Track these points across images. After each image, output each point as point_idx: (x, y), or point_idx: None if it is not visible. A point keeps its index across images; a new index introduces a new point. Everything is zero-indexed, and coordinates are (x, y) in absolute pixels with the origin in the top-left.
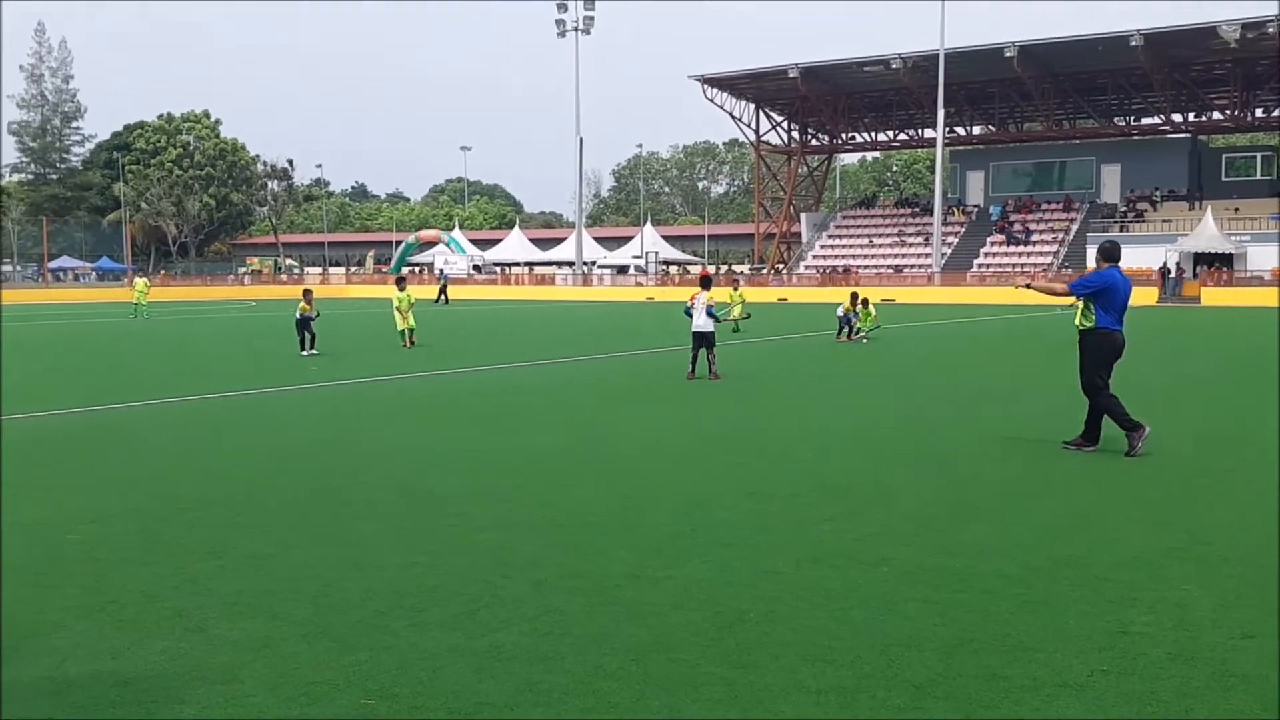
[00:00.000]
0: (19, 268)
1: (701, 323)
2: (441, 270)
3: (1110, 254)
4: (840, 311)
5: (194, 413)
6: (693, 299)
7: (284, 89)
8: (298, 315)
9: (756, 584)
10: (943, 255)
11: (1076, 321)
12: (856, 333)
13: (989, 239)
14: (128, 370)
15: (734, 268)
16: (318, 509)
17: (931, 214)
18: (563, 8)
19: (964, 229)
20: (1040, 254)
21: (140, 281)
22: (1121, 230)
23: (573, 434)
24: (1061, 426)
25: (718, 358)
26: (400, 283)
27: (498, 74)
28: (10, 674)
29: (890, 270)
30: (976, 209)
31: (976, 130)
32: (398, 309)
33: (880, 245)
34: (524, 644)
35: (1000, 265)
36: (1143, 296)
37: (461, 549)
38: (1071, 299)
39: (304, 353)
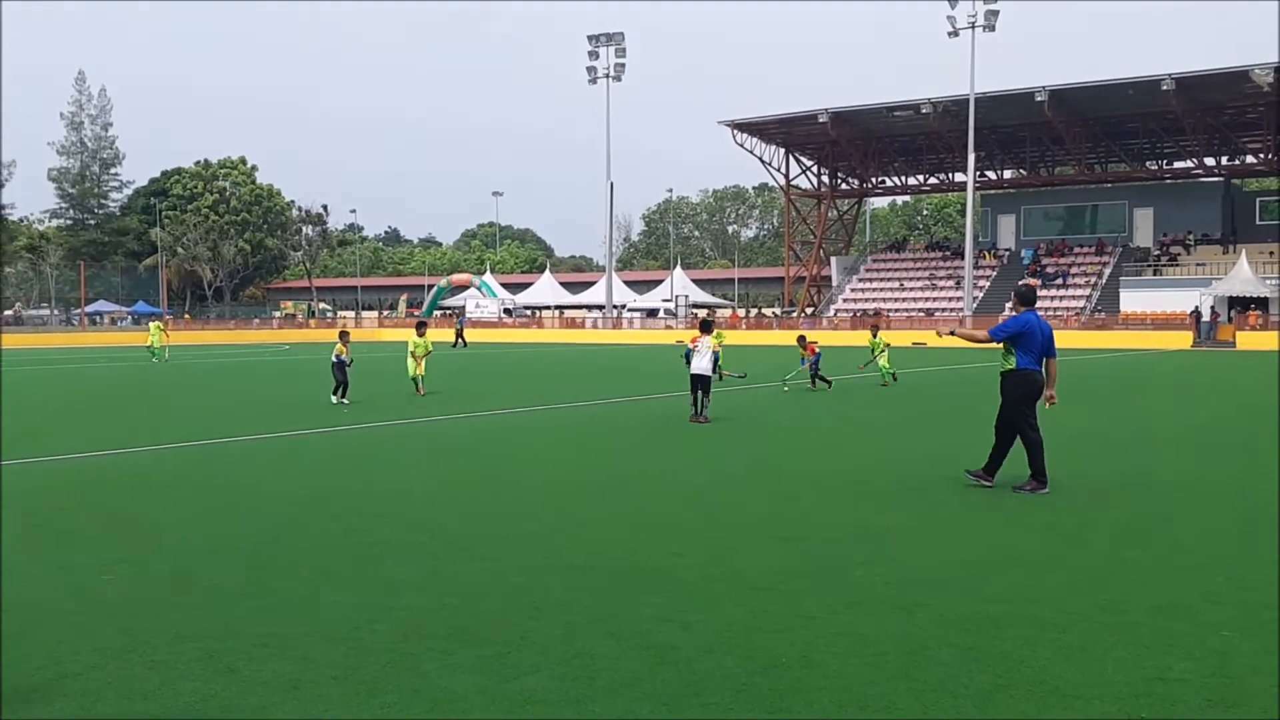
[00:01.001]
0: (55, 311)
1: (702, 366)
2: (459, 314)
3: (1026, 298)
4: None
5: (223, 455)
6: (694, 342)
7: (320, 135)
8: (334, 358)
9: (789, 628)
10: (974, 299)
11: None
12: (816, 375)
13: (1021, 282)
14: (157, 413)
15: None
16: (347, 551)
17: (962, 257)
18: (594, 55)
19: (995, 272)
20: (1074, 297)
21: (154, 325)
22: (1155, 274)
23: (600, 476)
24: (1097, 474)
25: (711, 402)
26: (420, 328)
27: (530, 120)
28: (42, 714)
29: (921, 314)
30: (1008, 252)
31: (1007, 174)
32: (412, 354)
33: (911, 289)
34: (554, 688)
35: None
36: (1177, 341)
37: (491, 592)
38: (996, 343)
39: (334, 399)
